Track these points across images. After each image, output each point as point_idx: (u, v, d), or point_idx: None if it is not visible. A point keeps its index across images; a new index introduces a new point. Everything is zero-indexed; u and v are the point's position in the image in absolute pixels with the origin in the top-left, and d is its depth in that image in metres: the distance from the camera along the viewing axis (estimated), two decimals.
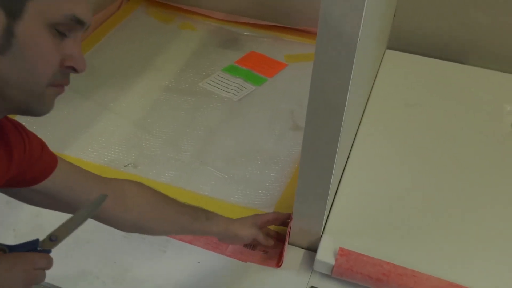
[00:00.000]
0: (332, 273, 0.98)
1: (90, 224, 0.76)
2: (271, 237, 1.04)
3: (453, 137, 1.26)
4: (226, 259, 1.04)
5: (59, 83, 0.61)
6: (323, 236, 1.02)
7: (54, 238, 0.67)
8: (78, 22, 0.59)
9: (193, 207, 0.94)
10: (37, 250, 0.66)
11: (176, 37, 1.70)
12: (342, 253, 0.98)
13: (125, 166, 1.21)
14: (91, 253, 1.04)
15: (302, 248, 1.07)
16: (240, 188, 1.17)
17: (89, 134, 1.30)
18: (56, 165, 0.77)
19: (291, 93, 1.47)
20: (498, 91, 1.41)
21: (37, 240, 0.67)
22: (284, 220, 1.05)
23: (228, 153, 1.26)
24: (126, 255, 1.04)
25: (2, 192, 0.76)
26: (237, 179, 1.19)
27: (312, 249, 1.06)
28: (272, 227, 1.08)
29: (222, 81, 1.51)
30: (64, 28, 0.58)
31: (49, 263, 0.65)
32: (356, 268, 0.96)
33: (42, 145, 0.75)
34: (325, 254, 0.99)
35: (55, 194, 0.78)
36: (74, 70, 0.62)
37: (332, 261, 0.98)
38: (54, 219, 1.09)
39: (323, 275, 1.01)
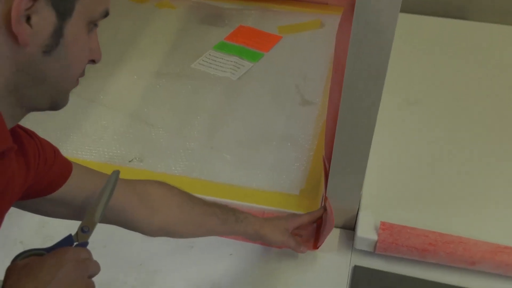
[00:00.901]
0: (376, 249, 1.02)
1: (104, 226, 0.77)
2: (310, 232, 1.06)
3: (471, 95, 1.31)
4: (260, 248, 1.06)
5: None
6: (360, 212, 1.06)
7: (86, 230, 0.70)
8: (106, 15, 0.63)
9: (221, 207, 0.95)
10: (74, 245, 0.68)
11: (155, 17, 1.69)
12: (384, 227, 1.01)
13: (129, 161, 1.21)
14: (112, 258, 1.04)
15: (337, 227, 1.10)
16: (260, 172, 1.19)
17: (81, 132, 1.29)
18: (71, 170, 0.77)
19: (292, 67, 1.49)
20: (504, 44, 1.47)
21: (70, 236, 0.69)
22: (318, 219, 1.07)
23: (239, 137, 1.28)
24: (151, 256, 1.05)
25: (16, 206, 0.76)
26: (255, 163, 1.21)
27: (348, 227, 1.09)
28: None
29: (215, 61, 1.52)
30: (95, 23, 0.62)
31: (91, 255, 0.67)
32: (401, 241, 1.00)
33: (55, 151, 0.76)
34: (366, 230, 1.03)
35: (72, 201, 0.79)
36: (93, 62, 0.66)
37: (374, 236, 1.01)
38: (60, 226, 1.09)
39: (365, 252, 1.04)
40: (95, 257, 0.67)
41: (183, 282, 1.01)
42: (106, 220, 0.83)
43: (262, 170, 1.20)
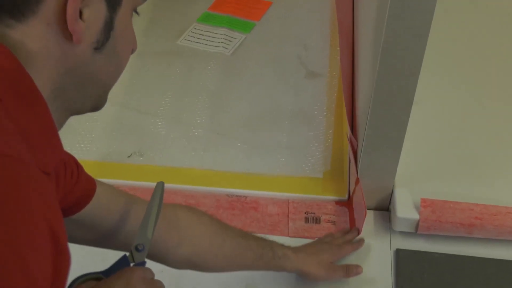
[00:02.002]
0: (418, 229, 1.05)
1: None
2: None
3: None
4: (292, 240, 1.07)
5: None
6: (396, 190, 1.08)
7: (141, 248, 0.71)
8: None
9: (258, 240, 0.94)
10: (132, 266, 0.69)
11: None
12: (426, 204, 1.04)
13: (128, 157, 1.21)
14: None
15: (369, 209, 1.12)
16: (277, 157, 1.20)
17: (67, 129, 1.25)
18: (95, 186, 0.76)
19: (290, 35, 1.50)
20: None
21: (125, 257, 0.70)
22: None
23: (246, 118, 1.29)
24: None
25: None
26: (269, 147, 1.22)
27: (381, 208, 1.12)
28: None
29: (203, 35, 1.51)
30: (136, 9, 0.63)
31: (153, 274, 0.69)
32: (445, 217, 1.03)
33: (77, 164, 0.74)
34: (405, 210, 1.05)
35: (99, 224, 0.78)
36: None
37: (415, 215, 1.04)
38: None
39: (405, 234, 1.07)
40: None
41: (213, 284, 1.02)
42: (125, 248, 0.79)
43: (279, 154, 1.21)
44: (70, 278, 0.68)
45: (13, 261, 0.42)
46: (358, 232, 1.07)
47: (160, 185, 0.76)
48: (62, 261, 0.48)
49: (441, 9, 1.41)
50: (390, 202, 1.10)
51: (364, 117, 1.01)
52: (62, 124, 0.62)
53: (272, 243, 0.95)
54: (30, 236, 0.44)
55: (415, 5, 0.82)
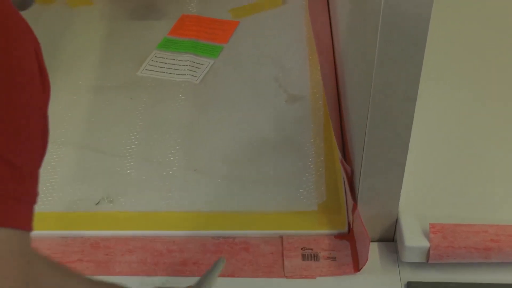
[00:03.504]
0: (429, 258, 1.08)
1: None
2: None
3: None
4: (290, 283, 1.09)
5: None
6: (402, 217, 1.12)
7: None
8: None
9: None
10: None
11: (71, 20, 1.69)
12: (435, 229, 1.08)
13: (96, 204, 1.22)
14: None
15: (373, 241, 1.15)
16: (265, 191, 1.22)
17: None
18: None
19: (263, 57, 1.55)
20: None
21: None
22: None
23: (225, 151, 1.31)
24: None
25: None
26: (256, 181, 1.24)
27: (386, 239, 1.15)
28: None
29: (166, 63, 1.54)
30: None
31: None
32: (458, 242, 1.07)
33: None
34: (414, 238, 1.08)
35: None
36: None
37: (425, 243, 1.07)
38: None
39: (415, 265, 1.10)
40: None
41: None
42: None
43: (266, 188, 1.23)
44: None
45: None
46: None
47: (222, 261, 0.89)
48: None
49: (441, 7, 1.49)
50: (395, 231, 1.14)
51: (360, 138, 1.05)
52: None
53: None
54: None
55: (410, 11, 0.87)
